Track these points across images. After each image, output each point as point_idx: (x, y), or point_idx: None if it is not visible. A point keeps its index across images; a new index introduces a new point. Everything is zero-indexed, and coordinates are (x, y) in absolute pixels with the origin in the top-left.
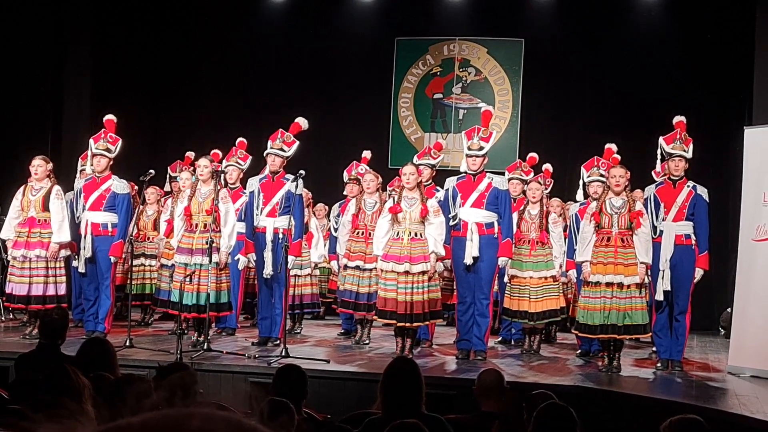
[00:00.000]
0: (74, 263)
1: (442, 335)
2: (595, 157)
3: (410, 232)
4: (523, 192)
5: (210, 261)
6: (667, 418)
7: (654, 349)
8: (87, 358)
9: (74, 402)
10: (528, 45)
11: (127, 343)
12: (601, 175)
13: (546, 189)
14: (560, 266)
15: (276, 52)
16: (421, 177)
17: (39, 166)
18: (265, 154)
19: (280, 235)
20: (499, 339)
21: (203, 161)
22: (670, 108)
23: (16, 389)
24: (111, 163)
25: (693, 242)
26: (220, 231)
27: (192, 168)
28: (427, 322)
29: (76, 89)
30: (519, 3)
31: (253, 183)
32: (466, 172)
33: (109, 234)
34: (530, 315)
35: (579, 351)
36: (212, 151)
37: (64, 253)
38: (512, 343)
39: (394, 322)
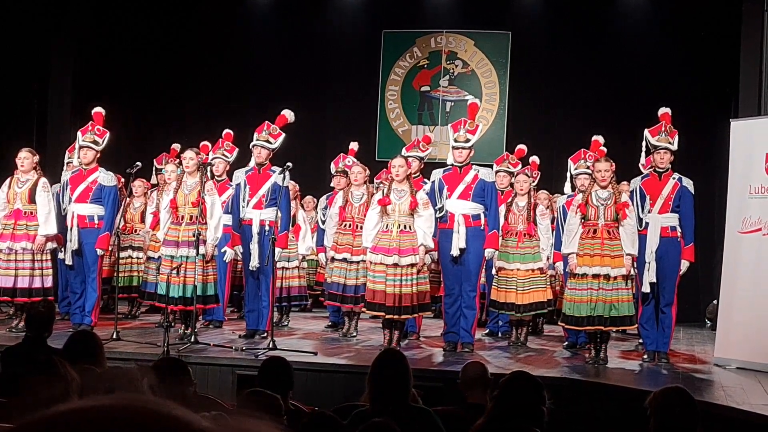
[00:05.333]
0: (60, 255)
1: (430, 327)
2: (582, 149)
3: (399, 225)
4: (511, 184)
5: (196, 253)
6: None
7: (640, 341)
8: (74, 351)
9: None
10: (515, 37)
11: (114, 336)
12: (588, 168)
13: (533, 181)
14: (547, 258)
15: (263, 44)
16: (410, 169)
17: (25, 158)
18: (251, 146)
19: (267, 228)
20: (487, 331)
21: (189, 153)
22: (657, 100)
23: (2, 382)
24: (98, 155)
25: (679, 234)
26: (206, 223)
27: (178, 160)
28: (415, 315)
29: (62, 82)
30: None
31: (240, 175)
32: (452, 165)
33: (96, 226)
34: (517, 307)
35: (566, 343)
36: (201, 144)
37: (50, 245)
38: (499, 335)
39: (382, 314)
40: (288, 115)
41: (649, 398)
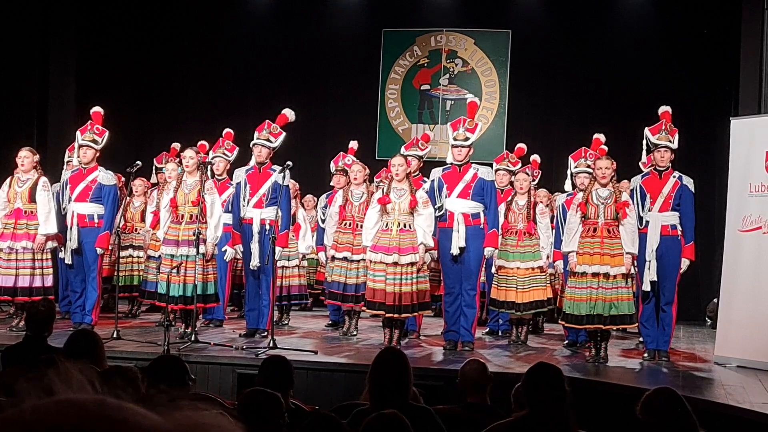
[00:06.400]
0: (61, 255)
1: (430, 326)
2: (583, 147)
3: (399, 223)
4: (511, 183)
5: (197, 252)
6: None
7: (641, 339)
8: (74, 350)
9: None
10: (515, 36)
11: (115, 335)
12: (589, 166)
13: (533, 180)
14: (547, 257)
15: (263, 42)
16: (409, 168)
17: (26, 157)
18: (251, 145)
19: (267, 227)
20: (487, 330)
21: (189, 152)
22: (657, 99)
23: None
24: (97, 154)
25: (679, 233)
26: (206, 222)
27: (178, 159)
28: (415, 314)
29: (62, 81)
30: None
31: (240, 174)
32: (451, 163)
33: (96, 225)
34: (517, 305)
35: (566, 341)
36: (199, 143)
37: (50, 244)
38: (499, 333)
39: (382, 313)
40: (288, 114)
41: (639, 406)
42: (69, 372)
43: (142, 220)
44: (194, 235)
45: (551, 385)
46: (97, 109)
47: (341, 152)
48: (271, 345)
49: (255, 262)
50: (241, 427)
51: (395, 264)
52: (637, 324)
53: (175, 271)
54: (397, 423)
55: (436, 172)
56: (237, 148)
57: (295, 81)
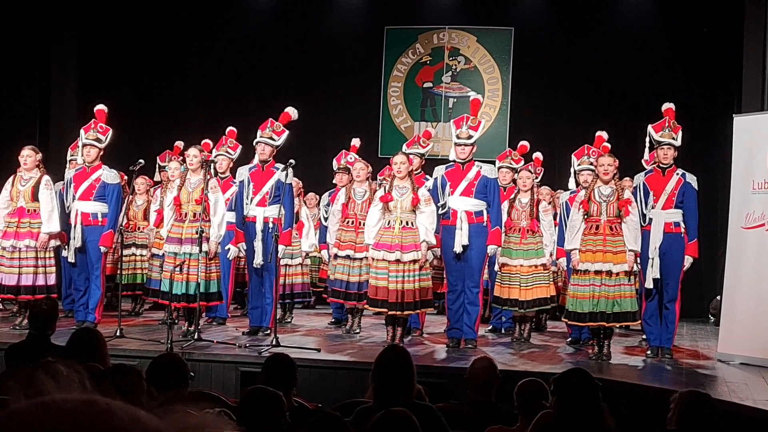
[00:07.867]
0: (64, 253)
1: (433, 324)
2: (586, 145)
3: (401, 221)
4: (513, 181)
5: (200, 250)
6: (658, 405)
7: (644, 336)
8: (77, 349)
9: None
10: (517, 34)
11: (118, 333)
12: (591, 164)
13: (536, 178)
14: (550, 254)
15: (265, 40)
16: (411, 166)
17: (28, 156)
18: (254, 143)
19: (270, 225)
20: (490, 327)
21: (193, 151)
22: (659, 96)
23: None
24: (101, 153)
25: (682, 230)
26: (209, 220)
27: (181, 158)
28: (417, 311)
29: (63, 80)
30: None
31: (243, 172)
32: (454, 161)
33: (99, 224)
34: (520, 303)
35: (569, 339)
36: (203, 141)
37: (53, 243)
38: (502, 331)
39: (385, 310)
40: (291, 112)
41: (675, 397)
42: (60, 372)
43: (145, 218)
44: (197, 233)
45: (583, 392)
46: (100, 107)
47: (344, 150)
48: (274, 343)
49: (258, 260)
50: (238, 428)
51: (398, 261)
52: (640, 321)
53: (178, 269)
54: (407, 421)
55: (439, 170)
56: (240, 147)
57: (296, 79)
